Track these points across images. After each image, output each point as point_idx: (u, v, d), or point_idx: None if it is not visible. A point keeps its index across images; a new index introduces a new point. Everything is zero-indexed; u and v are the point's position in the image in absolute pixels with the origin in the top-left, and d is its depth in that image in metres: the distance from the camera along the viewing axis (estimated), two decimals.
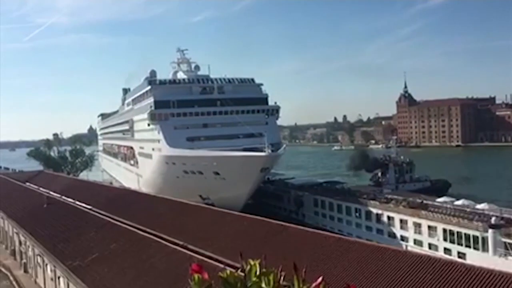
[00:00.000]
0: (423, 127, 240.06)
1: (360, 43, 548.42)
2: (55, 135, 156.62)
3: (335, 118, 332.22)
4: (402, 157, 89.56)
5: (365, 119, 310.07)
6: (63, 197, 54.66)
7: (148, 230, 33.16)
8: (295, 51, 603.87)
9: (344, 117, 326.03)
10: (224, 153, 62.16)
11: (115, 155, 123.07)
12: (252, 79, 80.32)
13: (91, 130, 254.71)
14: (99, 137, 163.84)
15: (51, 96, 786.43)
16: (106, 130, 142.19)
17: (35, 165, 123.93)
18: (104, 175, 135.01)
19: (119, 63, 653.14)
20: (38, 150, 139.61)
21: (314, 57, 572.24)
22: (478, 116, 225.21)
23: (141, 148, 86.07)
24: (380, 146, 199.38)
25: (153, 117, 73.06)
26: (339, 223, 63.04)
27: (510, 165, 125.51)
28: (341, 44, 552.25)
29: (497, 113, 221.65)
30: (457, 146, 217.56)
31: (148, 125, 75.56)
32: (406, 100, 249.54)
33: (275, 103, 78.97)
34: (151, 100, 75.22)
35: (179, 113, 72.20)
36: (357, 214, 60.37)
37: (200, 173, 65.34)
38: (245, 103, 73.85)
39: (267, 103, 77.51)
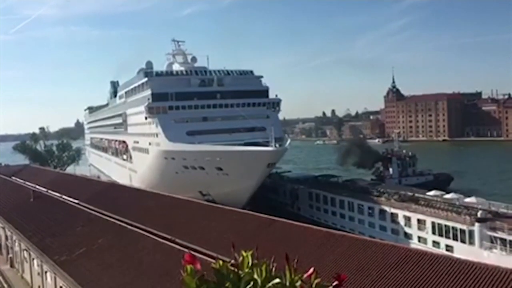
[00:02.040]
0: (411, 121, 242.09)
1: (350, 38, 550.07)
2: (42, 128, 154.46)
3: (324, 113, 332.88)
4: (404, 150, 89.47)
5: (353, 113, 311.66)
6: (50, 191, 54.18)
7: (136, 224, 33.02)
8: (285, 45, 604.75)
9: (333, 111, 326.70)
10: (229, 147, 60.19)
11: (104, 150, 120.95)
12: (251, 71, 78.38)
13: (78, 124, 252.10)
14: (86, 131, 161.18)
15: (37, 89, 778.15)
16: (94, 124, 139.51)
17: (21, 159, 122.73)
18: (91, 170, 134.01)
19: (107, 56, 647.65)
20: (24, 144, 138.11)
21: (305, 51, 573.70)
22: (465, 111, 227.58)
23: (136, 142, 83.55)
24: (376, 140, 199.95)
25: (151, 110, 70.60)
26: (333, 216, 63.57)
27: (498, 160, 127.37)
28: (332, 38, 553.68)
29: (483, 108, 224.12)
30: (444, 140, 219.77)
31: (146, 118, 72.81)
32: (394, 95, 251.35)
33: (276, 96, 76.92)
34: (148, 92, 72.78)
35: (178, 106, 69.81)
36: (350, 208, 60.96)
37: (202, 169, 63.38)
38: (245, 95, 71.80)
39: (267, 96, 75.36)
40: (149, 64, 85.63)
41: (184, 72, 76.34)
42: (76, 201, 45.69)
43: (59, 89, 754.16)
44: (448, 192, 57.76)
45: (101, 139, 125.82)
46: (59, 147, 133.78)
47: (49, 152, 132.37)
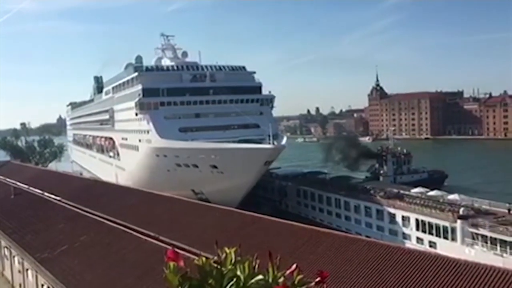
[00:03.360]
0: (394, 120, 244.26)
1: (336, 36, 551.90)
2: (23, 124, 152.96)
3: (308, 110, 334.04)
4: (399, 148, 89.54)
5: (337, 111, 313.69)
6: (31, 188, 53.45)
7: (119, 221, 32.79)
8: (271, 43, 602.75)
9: (317, 109, 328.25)
10: (225, 145, 58.68)
11: (89, 147, 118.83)
12: (243, 67, 76.49)
13: (61, 120, 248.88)
14: (69, 127, 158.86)
15: (18, 84, 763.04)
16: (77, 120, 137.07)
17: (1, 155, 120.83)
18: (74, 166, 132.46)
19: (90, 52, 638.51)
20: (4, 140, 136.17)
21: (290, 49, 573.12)
22: (447, 109, 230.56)
23: (124, 139, 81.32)
24: (367, 138, 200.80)
25: (142, 106, 68.41)
26: (320, 213, 64.00)
27: (481, 157, 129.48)
28: (317, 36, 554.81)
29: (465, 106, 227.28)
30: (426, 138, 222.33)
31: (136, 114, 70.63)
32: (378, 93, 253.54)
33: (269, 92, 75.30)
34: (138, 87, 70.71)
35: (169, 101, 67.81)
36: (337, 205, 61.42)
37: (195, 166, 61.62)
38: (238, 92, 70.03)
39: (260, 92, 73.80)
40: (138, 58, 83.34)
41: (175, 67, 74.32)
42: (58, 198, 45.15)
43: (41, 85, 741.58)
44: (443, 190, 58.57)
45: (85, 135, 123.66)
46: (41, 143, 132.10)
47: (31, 148, 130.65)
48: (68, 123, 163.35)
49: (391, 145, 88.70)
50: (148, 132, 68.29)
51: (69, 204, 41.58)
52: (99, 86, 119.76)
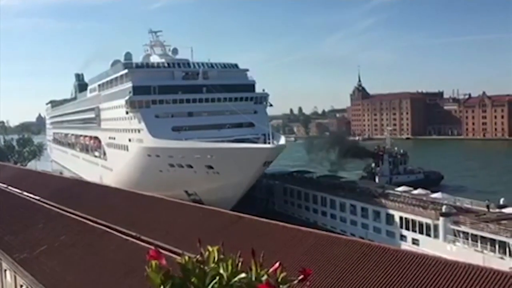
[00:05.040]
0: (375, 119, 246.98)
1: (319, 36, 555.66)
2: (1, 123, 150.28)
3: (291, 110, 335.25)
4: (396, 148, 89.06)
5: (320, 111, 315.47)
6: (10, 187, 52.48)
7: (100, 221, 32.41)
8: (255, 42, 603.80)
9: (300, 109, 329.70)
10: (222, 144, 57.08)
11: (71, 146, 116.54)
12: (236, 65, 75.13)
13: (40, 118, 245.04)
14: (49, 126, 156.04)
15: None
16: (58, 119, 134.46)
17: None
18: (53, 166, 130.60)
19: (71, 49, 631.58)
20: None
21: (273, 49, 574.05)
22: (427, 110, 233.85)
23: (112, 138, 79.10)
24: (357, 138, 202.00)
25: (132, 104, 66.51)
26: (306, 211, 64.43)
27: (468, 158, 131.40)
28: (301, 36, 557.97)
29: (445, 107, 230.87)
30: (407, 138, 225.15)
31: (127, 113, 68.68)
32: (360, 94, 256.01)
33: (263, 90, 74.01)
34: (128, 85, 68.91)
35: (161, 100, 66.14)
36: (323, 203, 61.86)
37: (190, 167, 59.92)
38: (232, 90, 68.48)
39: (254, 90, 72.65)
40: (128, 55, 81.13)
41: (166, 65, 72.69)
42: (37, 197, 44.44)
43: (20, 82, 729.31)
44: (437, 191, 59.32)
45: (67, 134, 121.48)
46: (20, 142, 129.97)
47: (9, 147, 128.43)
48: (47, 121, 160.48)
49: (388, 145, 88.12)
50: (139, 131, 66.58)
51: (49, 204, 40.95)
52: (80, 83, 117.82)
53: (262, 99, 72.66)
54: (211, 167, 58.19)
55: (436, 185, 73.40)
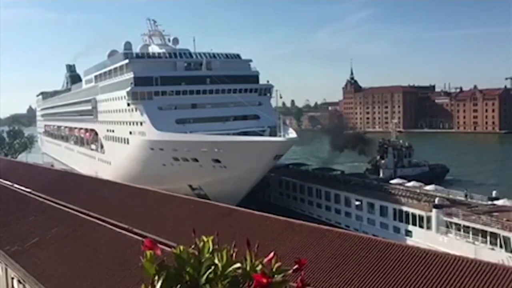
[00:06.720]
0: (368, 113, 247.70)
1: (312, 29, 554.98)
2: None
3: (284, 103, 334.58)
4: (401, 140, 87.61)
5: (312, 104, 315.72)
6: (0, 179, 52.09)
7: (92, 213, 32.30)
8: (250, 34, 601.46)
9: (292, 102, 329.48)
10: (230, 137, 55.43)
11: (64, 138, 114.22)
12: (238, 55, 73.11)
13: (31, 110, 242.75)
14: (40, 118, 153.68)
15: None
16: (50, 111, 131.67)
17: None
18: (45, 158, 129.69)
19: (62, 40, 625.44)
20: None
21: (267, 42, 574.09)
22: (419, 103, 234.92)
23: (110, 131, 76.79)
24: (357, 130, 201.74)
25: (134, 96, 64.30)
26: (301, 203, 64.63)
27: (467, 151, 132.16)
28: (294, 29, 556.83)
29: (436, 100, 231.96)
30: (399, 132, 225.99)
31: (128, 104, 66.45)
32: (352, 87, 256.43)
33: (268, 81, 72.24)
34: (129, 76, 66.75)
35: (164, 91, 64.18)
36: (318, 195, 62.04)
37: (195, 161, 57.96)
38: (236, 80, 66.49)
39: (258, 82, 70.70)
40: (128, 45, 78.46)
41: (168, 55, 70.29)
42: (28, 190, 44.15)
43: (10, 74, 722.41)
44: (443, 184, 59.83)
45: (60, 126, 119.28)
46: (10, 134, 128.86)
47: (0, 139, 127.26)
48: (38, 113, 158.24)
49: (393, 137, 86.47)
50: (141, 123, 64.61)
51: (40, 196, 40.72)
52: (72, 75, 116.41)
53: (267, 90, 70.89)
54: (218, 161, 56.48)
55: (441, 179, 72.75)
